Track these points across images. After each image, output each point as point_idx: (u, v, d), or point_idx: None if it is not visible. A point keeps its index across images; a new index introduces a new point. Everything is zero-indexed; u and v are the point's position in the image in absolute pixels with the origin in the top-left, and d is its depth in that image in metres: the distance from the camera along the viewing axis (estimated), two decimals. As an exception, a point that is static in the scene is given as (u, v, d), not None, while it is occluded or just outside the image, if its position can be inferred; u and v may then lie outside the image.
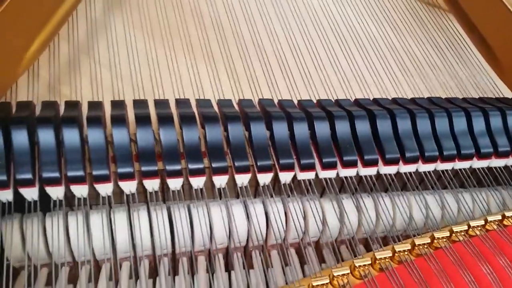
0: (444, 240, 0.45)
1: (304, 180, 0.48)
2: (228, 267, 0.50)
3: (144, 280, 0.45)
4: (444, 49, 0.68)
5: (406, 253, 0.44)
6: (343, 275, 0.41)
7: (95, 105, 0.47)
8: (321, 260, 0.51)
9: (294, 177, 0.48)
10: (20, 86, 0.51)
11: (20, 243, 0.44)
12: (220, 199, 0.49)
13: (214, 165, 0.45)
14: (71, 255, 0.45)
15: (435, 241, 0.45)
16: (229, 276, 0.49)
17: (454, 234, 0.46)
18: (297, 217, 0.48)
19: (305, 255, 0.48)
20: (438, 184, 0.52)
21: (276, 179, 0.48)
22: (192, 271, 0.47)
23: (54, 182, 0.42)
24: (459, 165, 0.53)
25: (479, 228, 0.47)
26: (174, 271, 0.48)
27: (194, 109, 0.48)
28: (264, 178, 0.47)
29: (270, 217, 0.48)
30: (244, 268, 0.48)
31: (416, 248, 0.44)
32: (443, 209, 0.52)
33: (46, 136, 0.42)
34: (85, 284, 0.44)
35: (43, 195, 0.43)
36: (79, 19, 0.59)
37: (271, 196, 0.48)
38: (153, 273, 0.48)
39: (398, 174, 0.51)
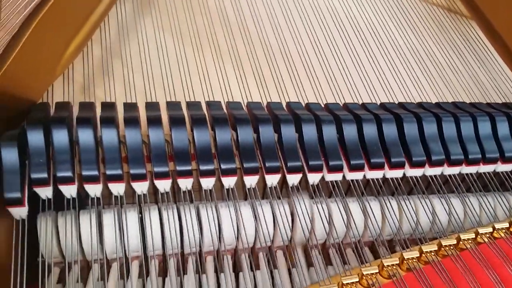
0: (470, 241, 0.46)
1: (330, 182, 0.50)
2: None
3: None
4: (466, 54, 0.69)
5: (432, 254, 0.45)
6: (372, 274, 0.42)
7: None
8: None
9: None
10: (55, 89, 0.53)
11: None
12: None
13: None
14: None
15: (461, 242, 0.46)
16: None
17: (479, 236, 0.47)
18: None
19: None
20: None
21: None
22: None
23: (93, 180, 0.44)
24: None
25: (487, 236, 0.47)
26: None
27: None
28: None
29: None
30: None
31: (443, 249, 0.45)
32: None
33: (85, 136, 0.44)
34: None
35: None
36: (110, 22, 0.61)
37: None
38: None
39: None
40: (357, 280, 0.42)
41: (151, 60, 0.58)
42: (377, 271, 0.43)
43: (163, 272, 0.50)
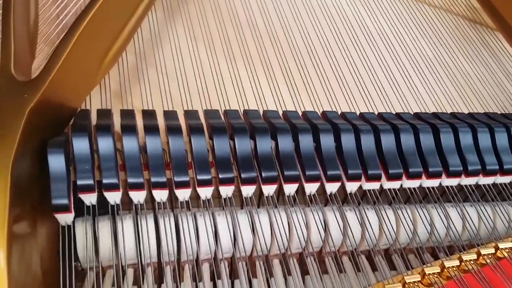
0: (508, 250, 0.47)
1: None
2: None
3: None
4: (492, 64, 0.70)
5: (472, 262, 0.45)
6: (414, 282, 0.43)
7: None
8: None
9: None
10: (92, 96, 0.53)
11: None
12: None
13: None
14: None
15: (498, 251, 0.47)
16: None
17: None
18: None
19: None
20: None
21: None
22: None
23: (139, 187, 0.44)
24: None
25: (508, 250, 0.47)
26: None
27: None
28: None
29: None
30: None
31: (481, 257, 0.46)
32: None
33: (129, 143, 0.45)
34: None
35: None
36: (143, 30, 0.61)
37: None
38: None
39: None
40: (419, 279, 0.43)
41: (185, 68, 0.58)
42: (419, 279, 0.43)
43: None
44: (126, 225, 0.47)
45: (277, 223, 0.49)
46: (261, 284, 0.48)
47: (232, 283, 0.50)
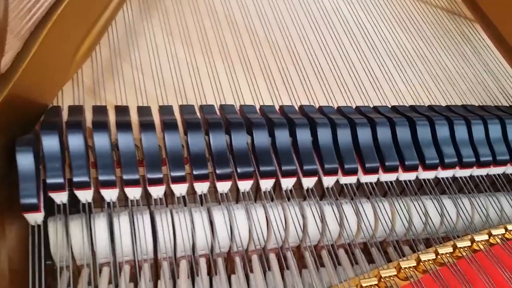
0: (484, 243, 0.47)
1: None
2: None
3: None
4: (471, 57, 0.69)
5: (448, 255, 0.45)
6: (390, 276, 0.43)
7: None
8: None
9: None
10: (64, 92, 0.52)
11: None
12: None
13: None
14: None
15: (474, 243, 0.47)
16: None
17: (492, 238, 0.48)
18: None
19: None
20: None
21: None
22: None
23: (110, 185, 0.44)
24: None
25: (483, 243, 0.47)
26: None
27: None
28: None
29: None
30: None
31: (457, 250, 0.46)
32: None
33: (101, 140, 0.44)
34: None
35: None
36: (118, 25, 0.60)
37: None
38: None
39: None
40: (376, 282, 0.42)
41: (161, 63, 0.57)
42: (395, 273, 0.43)
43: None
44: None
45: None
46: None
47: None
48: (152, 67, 0.57)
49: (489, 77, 0.67)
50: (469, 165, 0.53)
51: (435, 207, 0.53)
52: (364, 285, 0.42)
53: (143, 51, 0.59)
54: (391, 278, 0.43)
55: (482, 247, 0.47)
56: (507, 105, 0.63)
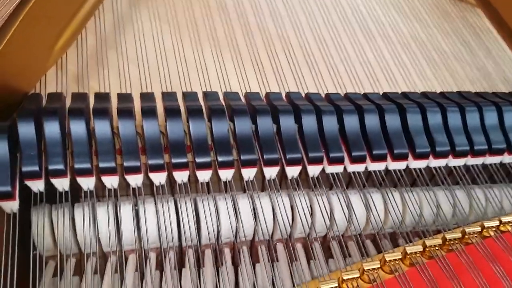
0: (476, 235, 0.45)
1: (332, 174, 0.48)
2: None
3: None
4: (472, 43, 0.67)
5: (436, 248, 0.43)
6: (374, 269, 0.41)
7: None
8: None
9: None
10: (49, 79, 0.52)
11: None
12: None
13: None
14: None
15: (466, 236, 0.45)
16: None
17: (485, 230, 0.46)
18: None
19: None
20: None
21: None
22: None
23: (87, 173, 0.42)
24: (472, 161, 0.52)
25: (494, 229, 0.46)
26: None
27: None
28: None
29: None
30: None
31: (448, 243, 0.44)
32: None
33: (78, 127, 0.43)
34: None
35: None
36: (105, 12, 0.59)
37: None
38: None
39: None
40: (358, 275, 0.40)
41: (147, 51, 0.56)
42: (379, 266, 0.41)
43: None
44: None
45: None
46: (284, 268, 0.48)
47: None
48: (138, 54, 0.56)
49: (490, 63, 0.64)
50: (481, 153, 0.51)
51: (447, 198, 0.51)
52: (345, 277, 0.40)
53: (130, 38, 0.58)
54: (375, 270, 0.41)
55: (474, 240, 0.45)
56: (506, 91, 0.60)
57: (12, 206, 0.41)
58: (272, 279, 0.45)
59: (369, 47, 0.63)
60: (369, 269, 0.41)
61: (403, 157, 0.49)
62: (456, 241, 0.44)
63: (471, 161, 0.52)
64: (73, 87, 0.52)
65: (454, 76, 0.62)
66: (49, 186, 0.43)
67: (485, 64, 0.64)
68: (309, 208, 0.48)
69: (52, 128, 0.42)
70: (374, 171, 0.49)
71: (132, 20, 0.60)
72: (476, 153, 0.51)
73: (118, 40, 0.57)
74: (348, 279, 0.40)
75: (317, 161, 0.47)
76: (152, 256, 0.48)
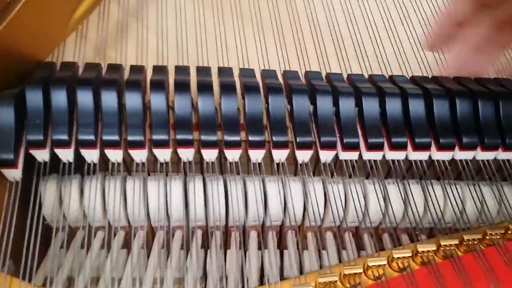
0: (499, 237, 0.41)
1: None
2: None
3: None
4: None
5: (453, 247, 0.40)
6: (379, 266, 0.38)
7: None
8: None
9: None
10: (68, 47, 0.51)
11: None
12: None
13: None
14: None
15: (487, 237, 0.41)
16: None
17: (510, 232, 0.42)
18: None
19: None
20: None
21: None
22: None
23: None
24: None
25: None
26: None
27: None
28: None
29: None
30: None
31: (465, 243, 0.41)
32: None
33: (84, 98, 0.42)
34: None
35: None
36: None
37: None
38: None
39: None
40: (385, 263, 0.38)
41: (167, 22, 0.55)
42: (410, 255, 0.39)
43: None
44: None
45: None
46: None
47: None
48: (159, 24, 0.54)
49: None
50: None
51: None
52: (370, 264, 0.38)
53: (152, 8, 0.56)
54: (381, 267, 0.38)
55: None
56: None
57: (15, 174, 0.41)
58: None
59: (402, 27, 0.58)
60: (399, 257, 0.38)
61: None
62: (476, 241, 0.40)
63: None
64: (91, 57, 0.51)
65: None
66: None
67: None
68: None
69: (58, 98, 0.42)
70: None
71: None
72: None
73: (140, 10, 0.56)
74: (373, 266, 0.38)
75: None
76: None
